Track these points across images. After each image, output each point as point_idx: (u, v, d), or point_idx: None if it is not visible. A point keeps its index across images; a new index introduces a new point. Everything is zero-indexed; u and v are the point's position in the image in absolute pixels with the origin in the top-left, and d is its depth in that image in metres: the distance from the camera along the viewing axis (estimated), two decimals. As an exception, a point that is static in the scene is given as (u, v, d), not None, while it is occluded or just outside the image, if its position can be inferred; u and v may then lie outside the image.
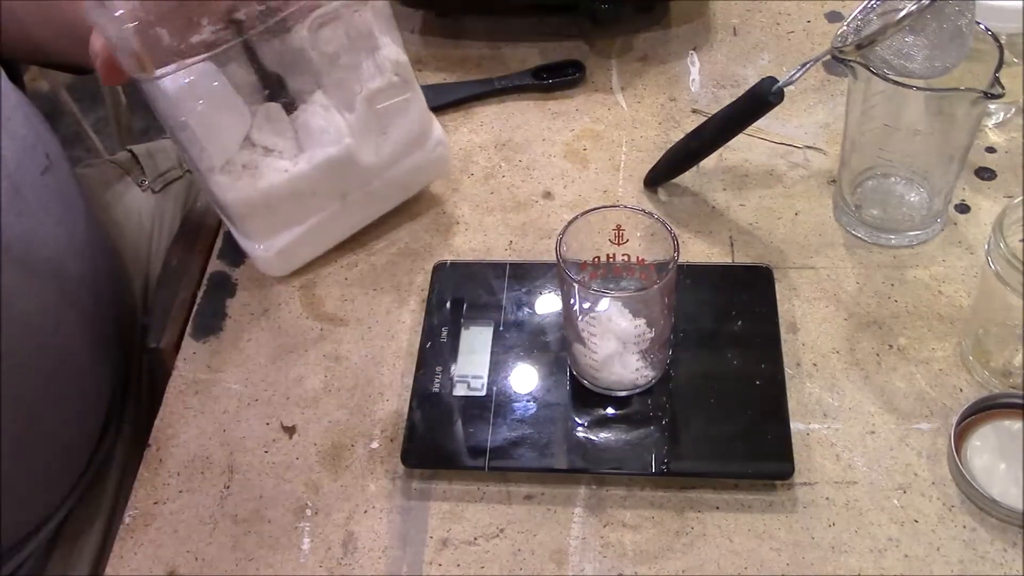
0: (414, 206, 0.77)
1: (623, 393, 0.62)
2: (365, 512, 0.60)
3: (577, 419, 0.62)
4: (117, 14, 0.56)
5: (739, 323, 0.65)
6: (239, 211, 0.67)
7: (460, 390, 0.63)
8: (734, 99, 0.70)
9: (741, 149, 0.78)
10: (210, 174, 0.65)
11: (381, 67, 0.67)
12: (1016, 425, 0.59)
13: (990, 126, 0.77)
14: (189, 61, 0.59)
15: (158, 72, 0.59)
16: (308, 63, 0.66)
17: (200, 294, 0.73)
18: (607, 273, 0.61)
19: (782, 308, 0.66)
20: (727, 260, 0.71)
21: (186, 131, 0.63)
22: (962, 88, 0.60)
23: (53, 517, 0.69)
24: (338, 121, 0.67)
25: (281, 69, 0.67)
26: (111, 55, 0.58)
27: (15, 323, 0.61)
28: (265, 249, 0.69)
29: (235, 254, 0.75)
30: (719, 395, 0.62)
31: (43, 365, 0.65)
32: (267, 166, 0.66)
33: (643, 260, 0.60)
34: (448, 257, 0.72)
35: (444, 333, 0.66)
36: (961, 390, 0.62)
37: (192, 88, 0.61)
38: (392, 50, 0.67)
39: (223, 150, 0.65)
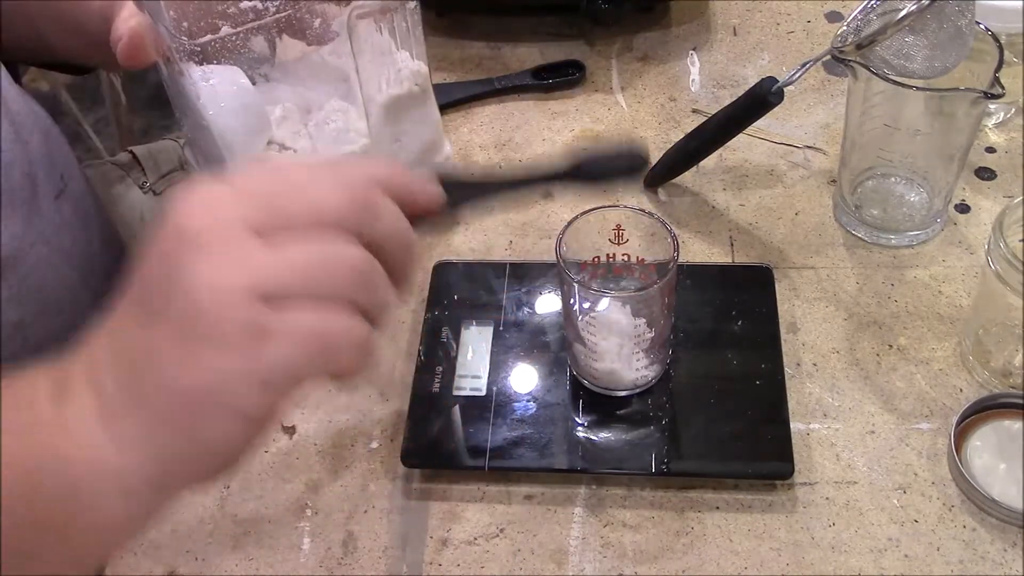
0: (414, 206, 0.77)
1: (623, 393, 0.62)
2: (365, 512, 0.60)
3: (577, 419, 0.62)
4: None
5: (739, 323, 0.65)
6: None
7: (460, 390, 0.63)
8: (734, 99, 0.70)
9: (741, 149, 0.78)
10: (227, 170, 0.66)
11: (402, 75, 0.67)
12: (1016, 425, 0.59)
13: (990, 126, 0.77)
14: (232, 31, 0.60)
15: (204, 39, 0.60)
16: (329, 67, 0.67)
17: (200, 294, 0.73)
18: (607, 273, 0.61)
19: (782, 308, 0.66)
20: (727, 260, 0.71)
21: (210, 130, 0.63)
22: (962, 88, 0.60)
23: None
24: (356, 124, 0.67)
25: (302, 74, 0.67)
26: (142, 34, 0.59)
27: (31, 352, 0.61)
28: None
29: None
30: (719, 395, 0.62)
31: None
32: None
33: (643, 260, 0.60)
34: (448, 257, 0.72)
35: (444, 333, 0.66)
36: (961, 390, 0.62)
37: (219, 87, 0.62)
38: (415, 60, 0.68)
39: (246, 148, 0.65)
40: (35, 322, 0.61)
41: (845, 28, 0.63)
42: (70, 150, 0.70)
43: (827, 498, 0.58)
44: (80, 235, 0.67)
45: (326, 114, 0.68)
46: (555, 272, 0.68)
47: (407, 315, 0.70)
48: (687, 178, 0.76)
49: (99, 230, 0.72)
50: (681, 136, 0.75)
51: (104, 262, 0.71)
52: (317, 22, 0.67)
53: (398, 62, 0.68)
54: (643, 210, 0.59)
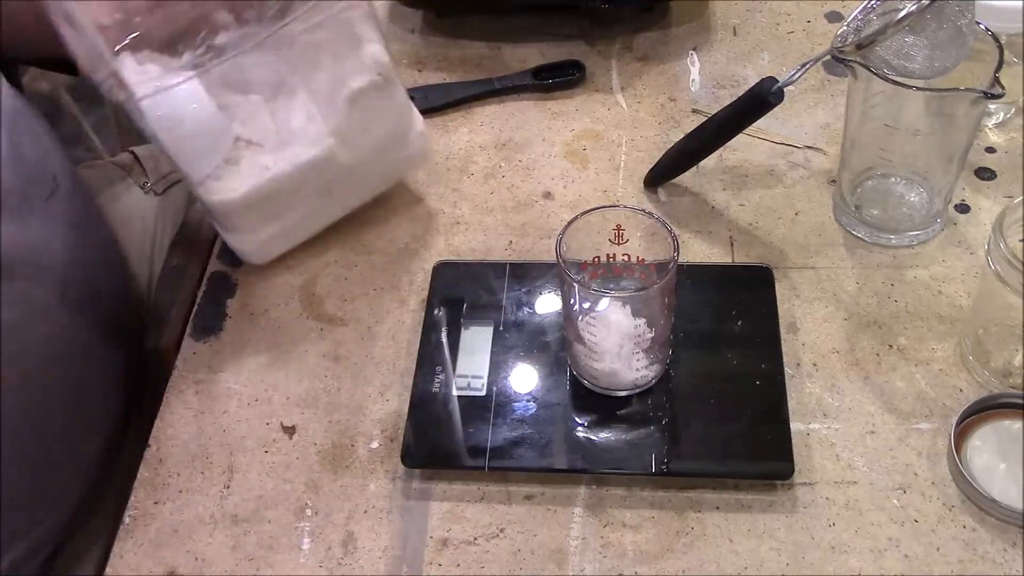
0: (414, 206, 0.77)
1: (623, 393, 0.62)
2: (365, 512, 0.60)
3: (577, 419, 0.62)
4: (88, 31, 0.57)
5: (739, 323, 0.65)
6: (222, 211, 0.68)
7: (460, 390, 0.63)
8: (734, 99, 0.70)
9: (741, 149, 0.78)
10: (194, 182, 0.66)
11: (364, 66, 0.67)
12: (1016, 425, 0.59)
13: (990, 126, 0.77)
14: (170, 83, 0.60)
15: (138, 96, 0.59)
16: (291, 62, 0.66)
17: (200, 294, 0.73)
18: (607, 273, 0.61)
19: (782, 308, 0.66)
20: (727, 260, 0.71)
21: (168, 149, 0.63)
22: (962, 88, 0.60)
23: (61, 533, 0.69)
24: (319, 119, 0.67)
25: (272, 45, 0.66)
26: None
27: (24, 353, 0.61)
28: (245, 242, 0.70)
29: (235, 254, 0.75)
30: (719, 395, 0.62)
31: (53, 385, 0.65)
32: (249, 162, 0.66)
33: (643, 260, 0.60)
34: (448, 257, 0.72)
35: (444, 333, 0.66)
36: (961, 390, 0.62)
37: (172, 112, 0.62)
38: (375, 48, 0.67)
39: (206, 164, 0.65)
40: (29, 325, 0.61)
41: (845, 28, 0.63)
42: (63, 150, 0.70)
43: (827, 498, 0.58)
44: (73, 236, 0.67)
45: (291, 110, 0.67)
46: (555, 272, 0.68)
47: (407, 315, 0.70)
48: (687, 178, 0.76)
49: (93, 231, 0.72)
50: (681, 136, 0.75)
51: (99, 263, 0.71)
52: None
53: (358, 54, 0.67)
54: (643, 210, 0.59)
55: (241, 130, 0.66)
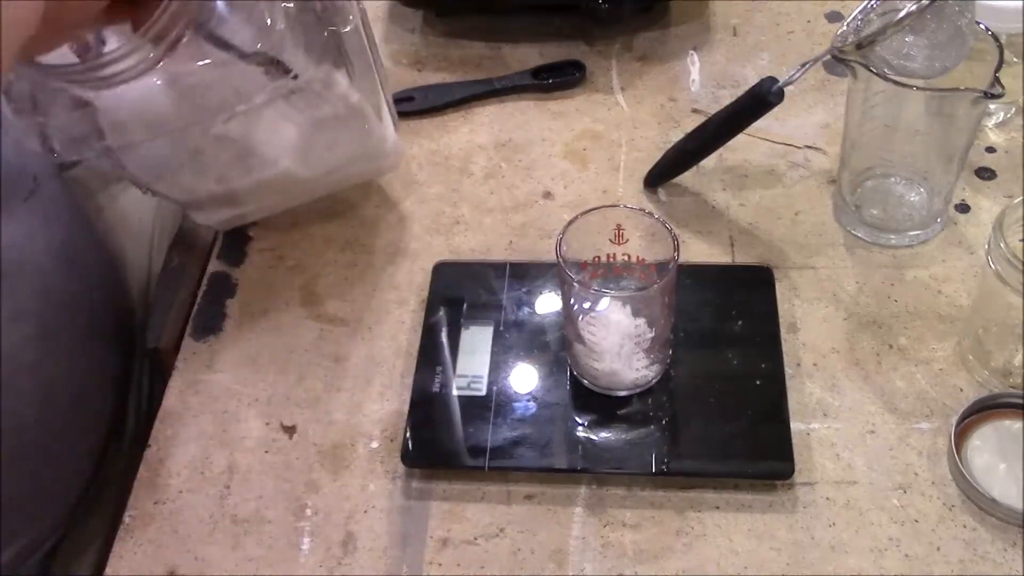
0: (414, 206, 0.77)
1: (623, 393, 0.62)
2: (365, 512, 0.60)
3: (577, 419, 0.62)
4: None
5: (739, 323, 0.65)
6: (179, 202, 0.70)
7: (460, 390, 0.63)
8: (734, 99, 0.70)
9: (741, 149, 0.78)
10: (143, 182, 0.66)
11: (332, 94, 0.64)
12: (1016, 425, 0.59)
13: (990, 126, 0.77)
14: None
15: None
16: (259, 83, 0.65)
17: (200, 294, 0.73)
18: (607, 273, 0.61)
19: (782, 308, 0.66)
20: (727, 260, 0.71)
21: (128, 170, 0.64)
22: (962, 88, 0.60)
23: (57, 531, 0.69)
24: (282, 136, 0.65)
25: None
26: None
27: (8, 352, 0.60)
28: (203, 219, 0.72)
29: (235, 254, 0.75)
30: (719, 395, 0.62)
31: (43, 384, 0.64)
32: (211, 155, 0.65)
33: (643, 260, 0.60)
34: (448, 257, 0.72)
35: (444, 333, 0.66)
36: (961, 390, 0.62)
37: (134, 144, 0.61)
38: (342, 79, 0.64)
39: (159, 168, 0.65)
40: (11, 324, 0.61)
41: (845, 28, 0.63)
42: None
43: (827, 498, 0.58)
44: (56, 236, 0.67)
45: (258, 121, 0.64)
46: (555, 272, 0.68)
47: (407, 315, 0.70)
48: (687, 178, 0.76)
49: (79, 231, 0.71)
50: (681, 136, 0.75)
51: (87, 263, 0.71)
52: None
53: (329, 81, 0.64)
54: (643, 210, 0.59)
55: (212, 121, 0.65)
